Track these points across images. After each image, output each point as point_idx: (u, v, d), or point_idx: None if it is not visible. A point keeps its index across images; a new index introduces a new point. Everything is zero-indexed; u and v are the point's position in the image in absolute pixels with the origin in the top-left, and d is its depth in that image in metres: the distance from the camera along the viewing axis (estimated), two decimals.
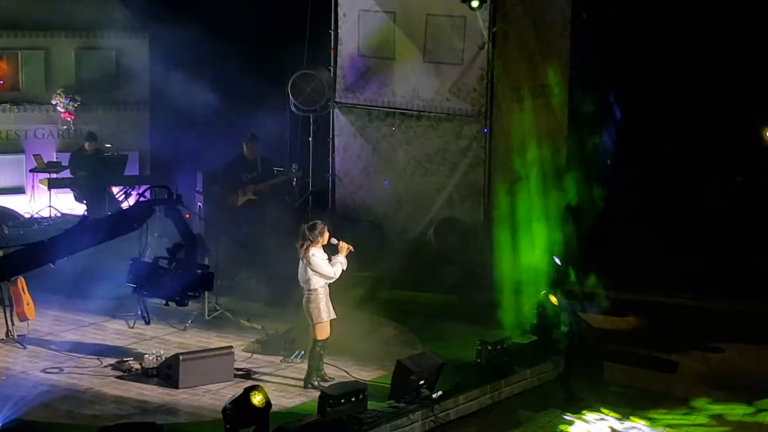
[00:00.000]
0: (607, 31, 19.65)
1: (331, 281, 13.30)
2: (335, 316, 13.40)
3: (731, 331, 16.19)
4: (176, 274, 9.16)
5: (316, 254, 13.19)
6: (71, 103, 21.12)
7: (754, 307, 17.02)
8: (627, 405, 13.69)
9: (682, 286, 17.53)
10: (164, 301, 9.48)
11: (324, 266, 13.18)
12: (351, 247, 13.38)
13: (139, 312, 9.52)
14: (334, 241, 13.33)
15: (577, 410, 13.46)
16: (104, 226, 9.39)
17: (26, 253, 9.17)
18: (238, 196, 18.14)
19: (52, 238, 9.20)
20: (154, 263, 9.20)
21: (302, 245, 13.24)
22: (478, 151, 18.48)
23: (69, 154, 20.64)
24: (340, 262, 13.28)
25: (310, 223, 13.44)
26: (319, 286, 13.20)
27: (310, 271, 13.15)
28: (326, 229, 13.31)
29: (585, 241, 18.18)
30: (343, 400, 12.06)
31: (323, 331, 13.28)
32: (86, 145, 20.38)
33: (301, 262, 13.28)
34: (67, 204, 20.52)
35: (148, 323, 9.61)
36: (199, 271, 9.36)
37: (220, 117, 20.77)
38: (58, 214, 20.20)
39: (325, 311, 13.24)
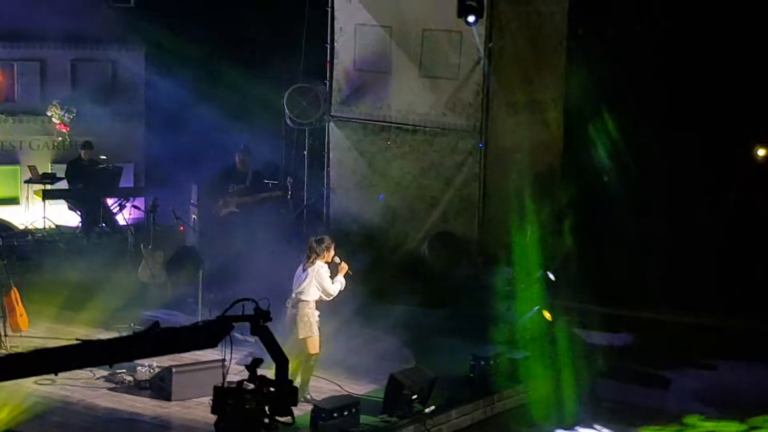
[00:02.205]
0: (603, 47, 19.68)
1: (328, 299, 13.29)
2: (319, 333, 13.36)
3: (724, 348, 16.17)
4: (262, 396, 8.15)
5: (324, 268, 13.23)
6: (67, 115, 21.10)
7: (748, 324, 17.00)
8: (620, 421, 13.68)
9: (675, 302, 17.51)
10: None
11: (328, 282, 13.20)
12: (350, 270, 13.40)
13: None
14: (337, 259, 13.34)
15: (569, 426, 13.45)
16: (175, 338, 8.37)
17: (80, 349, 8.42)
18: (220, 206, 18.15)
19: (113, 339, 8.43)
20: (239, 388, 8.17)
21: (309, 257, 13.24)
22: (473, 166, 18.49)
23: (64, 165, 20.59)
24: (340, 282, 13.30)
25: (319, 236, 13.48)
26: (312, 299, 13.17)
27: (313, 282, 13.11)
28: (332, 247, 13.33)
29: (578, 257, 18.18)
30: (335, 414, 12.06)
31: (316, 345, 13.23)
32: (82, 153, 20.37)
33: (299, 272, 13.25)
34: (62, 215, 20.49)
35: None
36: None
37: (216, 130, 20.78)
38: (53, 226, 20.17)
39: (315, 325, 13.20)
